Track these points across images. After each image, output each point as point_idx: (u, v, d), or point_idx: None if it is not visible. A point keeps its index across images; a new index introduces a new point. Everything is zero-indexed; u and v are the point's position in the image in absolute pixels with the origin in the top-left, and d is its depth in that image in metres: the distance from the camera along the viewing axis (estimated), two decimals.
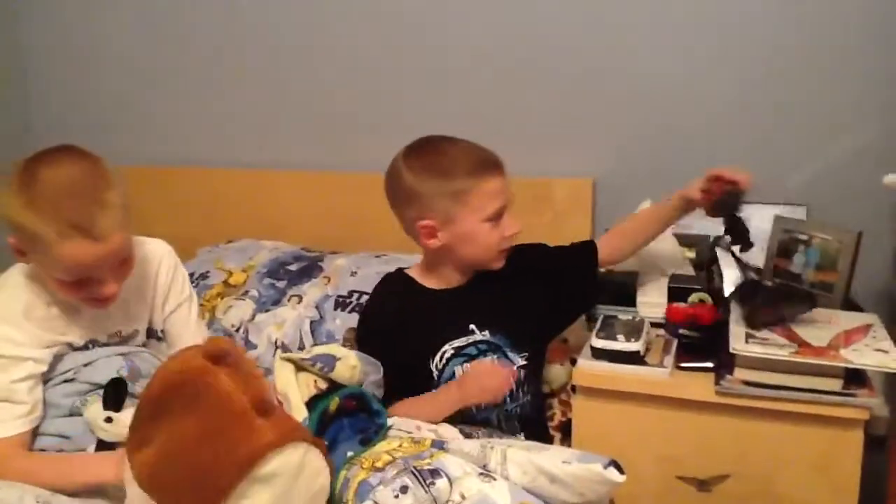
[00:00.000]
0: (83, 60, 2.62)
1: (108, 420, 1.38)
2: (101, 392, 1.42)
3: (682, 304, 1.72)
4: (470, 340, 1.59)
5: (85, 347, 1.50)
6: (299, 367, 1.44)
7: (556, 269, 1.69)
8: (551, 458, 1.26)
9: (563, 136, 2.19)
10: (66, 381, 1.45)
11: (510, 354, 1.60)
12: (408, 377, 1.56)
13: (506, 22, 2.17)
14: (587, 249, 1.73)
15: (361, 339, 1.66)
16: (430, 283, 1.65)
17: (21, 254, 1.40)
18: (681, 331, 1.69)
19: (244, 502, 1.02)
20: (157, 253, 1.60)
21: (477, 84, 2.23)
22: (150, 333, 1.61)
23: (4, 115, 2.60)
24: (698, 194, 1.66)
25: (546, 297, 1.66)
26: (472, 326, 1.60)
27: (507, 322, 1.61)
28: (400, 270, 1.72)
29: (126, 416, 1.31)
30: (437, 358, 1.58)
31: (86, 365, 1.47)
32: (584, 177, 2.15)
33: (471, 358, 1.58)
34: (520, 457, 1.27)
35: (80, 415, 1.42)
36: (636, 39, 2.08)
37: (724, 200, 1.64)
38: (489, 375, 1.51)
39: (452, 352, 1.58)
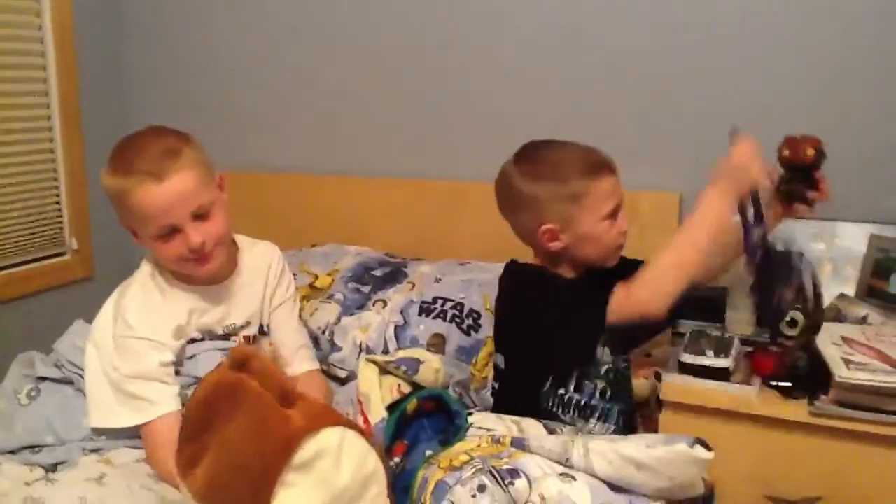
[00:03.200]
0: (181, 64, 2.71)
1: None
2: None
3: (767, 351, 1.62)
4: None
5: (201, 339, 1.57)
6: (383, 369, 1.47)
7: None
8: (634, 444, 1.24)
9: (651, 150, 2.15)
10: None
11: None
12: None
13: (593, 34, 2.17)
14: None
15: (560, 294, 1.56)
16: None
17: (134, 234, 1.50)
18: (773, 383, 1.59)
19: (291, 490, 1.03)
20: (268, 253, 1.74)
21: (563, 95, 2.22)
22: (260, 329, 1.69)
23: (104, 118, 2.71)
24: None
25: None
26: None
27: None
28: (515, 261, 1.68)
29: None
30: None
31: (189, 358, 1.53)
32: (671, 191, 2.11)
33: None
34: (602, 447, 1.26)
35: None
36: (727, 54, 2.05)
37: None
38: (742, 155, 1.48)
39: None
